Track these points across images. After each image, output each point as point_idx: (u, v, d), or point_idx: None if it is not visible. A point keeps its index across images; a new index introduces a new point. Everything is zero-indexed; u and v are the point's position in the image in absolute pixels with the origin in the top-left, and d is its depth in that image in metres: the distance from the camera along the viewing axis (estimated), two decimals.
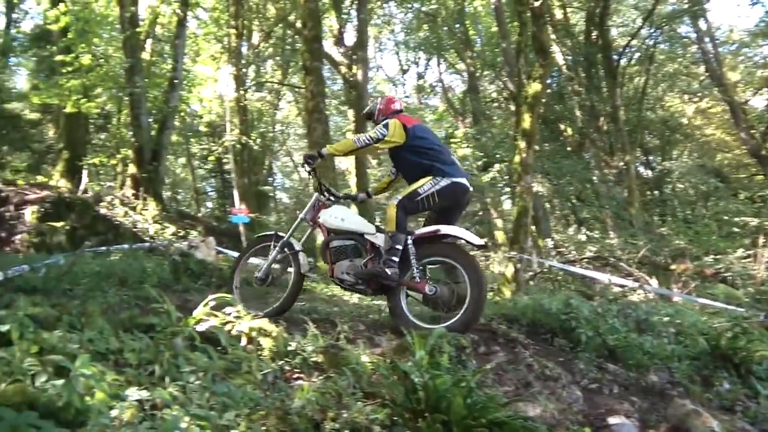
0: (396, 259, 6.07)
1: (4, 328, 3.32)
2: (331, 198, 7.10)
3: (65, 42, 20.37)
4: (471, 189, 6.52)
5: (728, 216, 24.20)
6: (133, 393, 3.02)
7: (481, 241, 6.21)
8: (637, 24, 30.13)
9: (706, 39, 30.24)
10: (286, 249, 6.91)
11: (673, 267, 16.22)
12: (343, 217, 6.75)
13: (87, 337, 3.69)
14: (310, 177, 7.06)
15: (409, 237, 6.21)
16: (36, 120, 28.82)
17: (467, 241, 6.17)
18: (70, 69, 19.90)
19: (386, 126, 6.54)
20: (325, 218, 6.78)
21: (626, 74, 30.06)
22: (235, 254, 14.10)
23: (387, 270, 6.00)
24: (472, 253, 6.73)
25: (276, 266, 7.01)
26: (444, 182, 6.26)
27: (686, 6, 28.82)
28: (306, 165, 6.87)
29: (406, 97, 44.34)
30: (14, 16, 34.37)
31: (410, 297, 6.37)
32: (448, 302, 6.04)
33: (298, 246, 6.89)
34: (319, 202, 7.02)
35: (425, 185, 6.26)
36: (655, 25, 27.31)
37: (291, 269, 6.90)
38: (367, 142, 6.53)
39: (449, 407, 3.36)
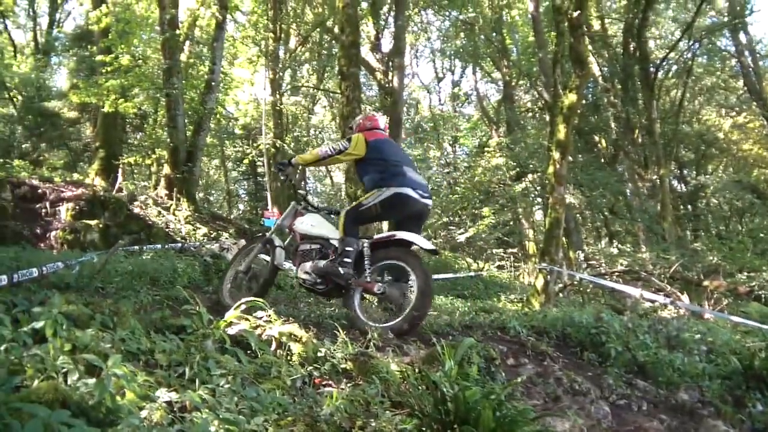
0: (348, 260, 6.44)
1: (39, 324, 3.35)
2: (308, 207, 7.72)
3: (106, 42, 20.63)
4: (422, 199, 6.64)
5: (764, 233, 23.91)
6: (163, 394, 3.04)
7: (431, 246, 6.59)
8: (676, 36, 29.99)
9: (746, 52, 29.91)
10: (267, 245, 7.35)
11: (705, 283, 16.04)
12: (313, 223, 7.31)
13: (119, 336, 3.71)
14: (286, 183, 7.58)
15: (366, 242, 6.59)
16: (74, 118, 29.13)
17: (420, 246, 6.50)
18: (109, 69, 20.14)
19: (349, 140, 7.01)
20: (298, 225, 7.40)
21: (663, 87, 29.84)
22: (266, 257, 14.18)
23: (340, 269, 6.42)
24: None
25: (258, 262, 7.49)
26: (387, 193, 6.55)
27: (726, 19, 28.55)
28: (279, 172, 7.64)
29: (441, 104, 44.36)
30: (57, 16, 35.00)
31: (366, 299, 6.75)
32: (397, 302, 6.30)
33: (278, 242, 7.26)
34: (296, 210, 7.63)
35: (370, 197, 6.63)
36: (694, 38, 27.05)
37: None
38: (330, 153, 7.08)
39: (478, 420, 3.34)
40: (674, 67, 29.68)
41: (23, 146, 28.00)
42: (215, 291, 7.93)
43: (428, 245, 6.50)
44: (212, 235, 18.42)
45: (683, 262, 17.60)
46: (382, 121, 7.73)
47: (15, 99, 29.19)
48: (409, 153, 6.57)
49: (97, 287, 7.54)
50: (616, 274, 17.82)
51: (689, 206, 32.19)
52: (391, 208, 6.66)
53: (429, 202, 6.78)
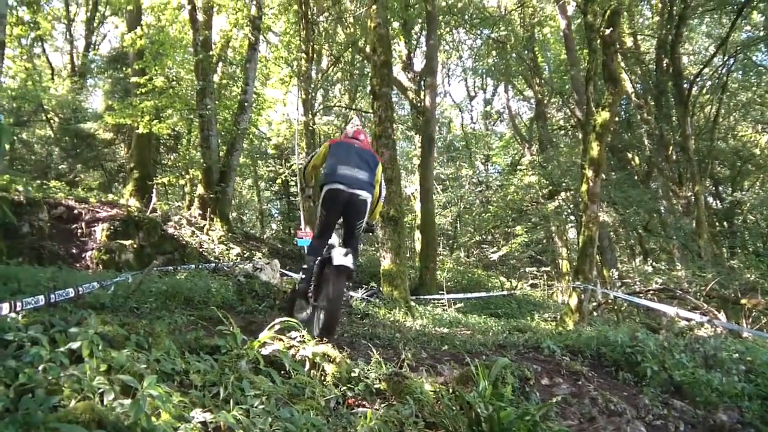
0: (303, 276, 7.27)
1: (76, 345, 3.38)
2: None
3: (140, 64, 20.96)
4: (348, 190, 7.00)
5: None
6: (198, 415, 3.05)
7: (343, 263, 6.49)
8: (710, 52, 29.70)
9: None
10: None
11: (743, 301, 15.79)
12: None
13: (154, 357, 3.73)
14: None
15: (317, 259, 7.23)
16: (109, 140, 29.54)
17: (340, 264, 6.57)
18: (143, 90, 20.41)
19: (318, 148, 7.78)
20: None
21: (697, 103, 29.55)
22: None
23: (301, 284, 7.26)
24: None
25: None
26: (323, 193, 7.11)
27: (762, 33, 28.24)
28: (308, 199, 8.37)
29: (473, 123, 44.36)
30: (93, 39, 35.59)
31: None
32: (309, 322, 6.83)
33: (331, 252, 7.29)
34: None
35: (319, 204, 7.28)
36: (729, 53, 26.76)
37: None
38: (306, 162, 7.94)
39: None
40: (708, 83, 29.34)
41: (59, 167, 28.41)
42: (249, 311, 7.99)
43: (341, 261, 6.52)
44: (245, 255, 18.53)
45: (720, 280, 17.37)
46: (362, 134, 7.95)
47: (52, 121, 29.67)
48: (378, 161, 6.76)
49: (132, 307, 7.61)
50: (651, 292, 17.62)
51: (725, 223, 31.77)
52: (329, 205, 7.12)
53: (360, 192, 7.04)
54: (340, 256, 6.53)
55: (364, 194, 7.09)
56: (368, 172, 7.30)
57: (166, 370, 3.65)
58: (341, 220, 7.45)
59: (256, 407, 3.43)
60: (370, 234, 9.15)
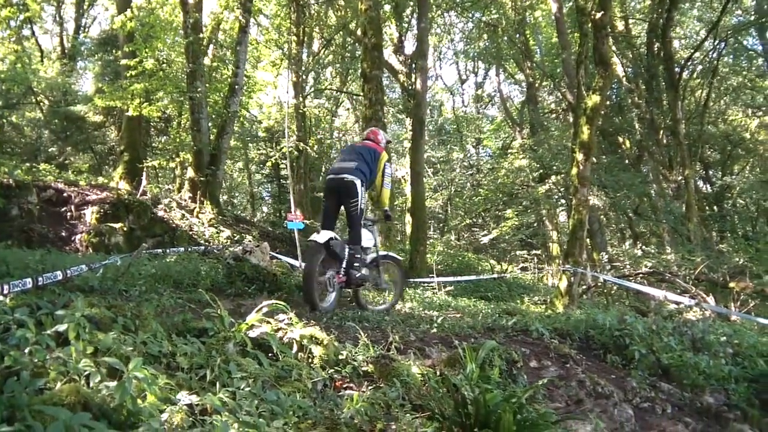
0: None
1: (62, 327, 3.38)
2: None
3: (130, 47, 20.79)
4: (335, 176, 8.36)
5: None
6: (184, 397, 3.05)
7: (315, 238, 8.03)
8: (701, 36, 29.70)
9: None
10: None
11: (731, 285, 15.88)
12: None
13: (141, 339, 3.72)
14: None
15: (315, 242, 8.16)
16: (99, 122, 29.39)
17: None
18: (134, 73, 20.27)
19: None
20: None
21: (688, 87, 29.58)
22: (289, 260, 14.31)
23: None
24: None
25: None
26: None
27: (753, 18, 28.24)
28: (387, 219, 9.80)
29: (464, 106, 44.33)
30: (83, 21, 35.36)
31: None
32: None
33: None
34: None
35: None
36: (720, 37, 26.78)
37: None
38: None
39: (499, 423, 3.32)
40: (699, 67, 29.36)
41: (49, 150, 28.33)
42: (238, 294, 8.04)
43: (312, 237, 8.19)
44: (235, 238, 18.51)
45: (709, 264, 17.45)
46: (374, 133, 9.43)
47: (41, 103, 29.51)
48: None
49: (120, 290, 7.59)
50: (641, 275, 17.70)
51: (715, 207, 31.89)
52: (326, 194, 8.75)
53: (345, 175, 8.23)
54: (314, 234, 8.07)
55: (349, 177, 8.17)
56: (358, 161, 8.42)
57: (152, 353, 3.65)
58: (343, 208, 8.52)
59: (242, 389, 3.43)
60: (388, 221, 10.03)
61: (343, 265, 8.19)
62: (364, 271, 8.56)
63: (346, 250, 8.23)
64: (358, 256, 8.39)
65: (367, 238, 8.85)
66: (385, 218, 9.65)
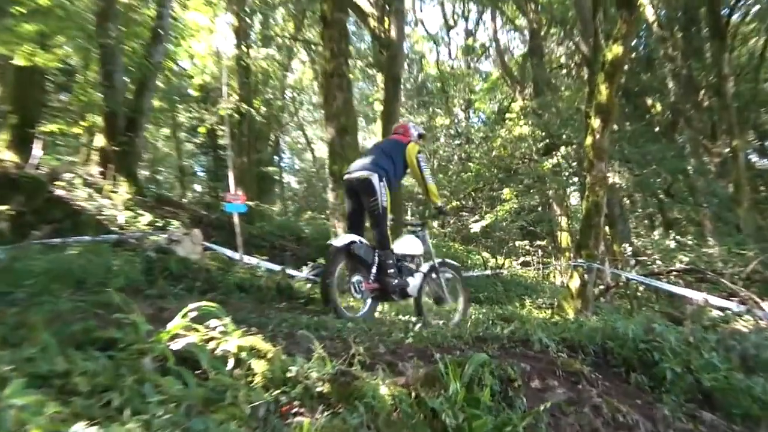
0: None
1: None
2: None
3: None
4: (350, 176, 9.25)
5: None
6: (81, 429, 3.00)
7: (334, 242, 9.02)
8: None
9: None
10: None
11: None
12: None
13: (25, 355, 3.67)
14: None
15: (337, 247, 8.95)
16: None
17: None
18: (23, 10, 19.95)
19: None
20: None
21: (739, 34, 29.63)
22: (227, 251, 14.30)
23: None
24: None
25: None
26: None
27: None
28: (440, 214, 10.50)
29: (451, 60, 44.37)
30: None
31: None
32: None
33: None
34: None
35: None
36: None
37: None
38: None
39: None
40: (756, 8, 29.34)
41: None
42: (161, 295, 7.98)
43: (330, 241, 9.25)
44: (159, 224, 18.44)
45: (764, 260, 17.50)
46: (402, 127, 10.49)
47: None
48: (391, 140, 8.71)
49: (2, 292, 7.50)
50: (674, 273, 17.80)
51: None
52: (346, 195, 9.62)
53: (360, 172, 9.05)
54: (333, 238, 9.03)
55: (364, 173, 8.99)
56: (376, 155, 9.35)
57: (40, 372, 3.59)
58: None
59: (160, 417, 3.39)
60: (442, 216, 10.90)
61: (373, 272, 8.94)
62: (410, 280, 9.46)
63: (376, 255, 9.02)
64: (391, 261, 9.07)
65: (414, 246, 9.89)
66: (439, 214, 10.28)
